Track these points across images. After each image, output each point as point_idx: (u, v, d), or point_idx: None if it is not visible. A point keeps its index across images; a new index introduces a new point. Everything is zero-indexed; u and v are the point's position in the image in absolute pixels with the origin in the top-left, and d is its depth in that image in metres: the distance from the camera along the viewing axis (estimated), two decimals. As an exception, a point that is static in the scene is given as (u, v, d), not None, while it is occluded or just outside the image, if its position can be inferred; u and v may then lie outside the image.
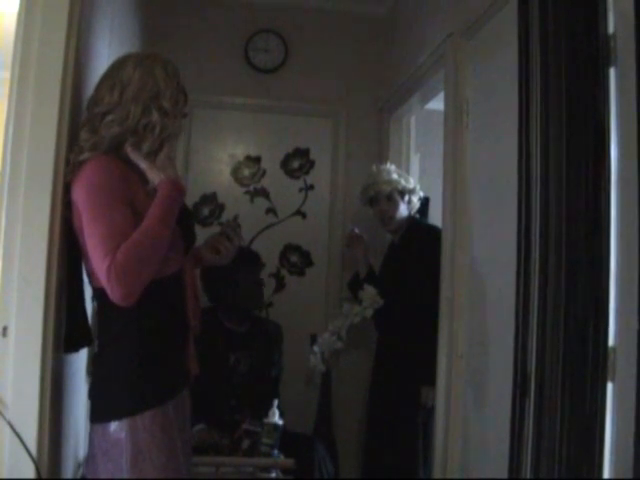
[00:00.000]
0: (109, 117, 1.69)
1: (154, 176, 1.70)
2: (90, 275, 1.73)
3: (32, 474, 1.62)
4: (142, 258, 1.58)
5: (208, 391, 2.86)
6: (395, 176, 3.28)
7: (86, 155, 1.68)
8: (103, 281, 1.57)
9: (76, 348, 1.90)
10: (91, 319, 1.98)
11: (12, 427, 1.62)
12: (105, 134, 1.69)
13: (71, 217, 1.70)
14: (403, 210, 3.28)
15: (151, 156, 1.72)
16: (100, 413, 1.68)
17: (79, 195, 1.65)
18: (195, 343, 1.82)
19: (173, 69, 1.78)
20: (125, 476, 1.61)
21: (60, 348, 1.80)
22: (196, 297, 1.83)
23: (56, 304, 1.71)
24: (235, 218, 1.94)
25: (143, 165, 1.70)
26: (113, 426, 1.63)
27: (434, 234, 2.98)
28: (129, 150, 1.70)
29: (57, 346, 1.75)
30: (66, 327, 1.81)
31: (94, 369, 1.78)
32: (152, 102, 1.71)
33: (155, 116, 1.71)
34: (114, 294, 1.57)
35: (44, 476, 1.64)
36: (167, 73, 1.75)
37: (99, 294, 1.69)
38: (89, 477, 1.71)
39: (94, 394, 1.73)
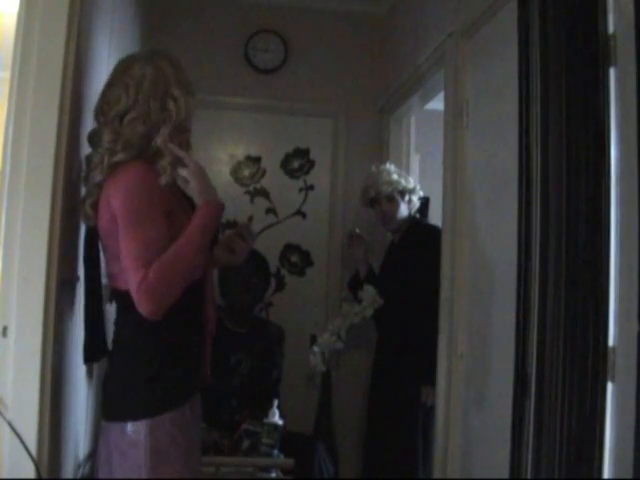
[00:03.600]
0: (129, 116, 1.69)
1: (198, 195, 1.69)
2: (111, 276, 1.73)
3: (32, 474, 1.62)
4: (174, 279, 1.59)
5: (208, 391, 2.85)
6: (395, 176, 3.28)
7: (120, 157, 1.67)
8: (133, 293, 1.57)
9: (97, 358, 1.90)
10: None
11: (12, 427, 1.61)
12: (131, 134, 1.69)
13: (96, 218, 1.70)
14: (403, 210, 3.29)
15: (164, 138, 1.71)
16: (118, 412, 1.68)
17: (117, 199, 1.63)
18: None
19: (178, 61, 1.81)
20: (144, 477, 1.61)
21: (60, 348, 1.80)
22: (213, 301, 1.84)
23: (56, 304, 1.71)
24: (249, 219, 1.96)
25: (192, 181, 1.69)
26: (131, 426, 1.62)
27: (434, 234, 2.98)
28: (165, 144, 1.69)
29: (57, 346, 1.75)
30: (86, 337, 1.81)
31: (109, 367, 1.77)
32: (166, 94, 1.72)
33: (171, 106, 1.72)
34: (142, 309, 1.57)
35: (44, 476, 1.64)
36: (172, 64, 1.77)
37: (119, 296, 1.70)
38: (104, 477, 1.70)
39: (110, 392, 1.73)
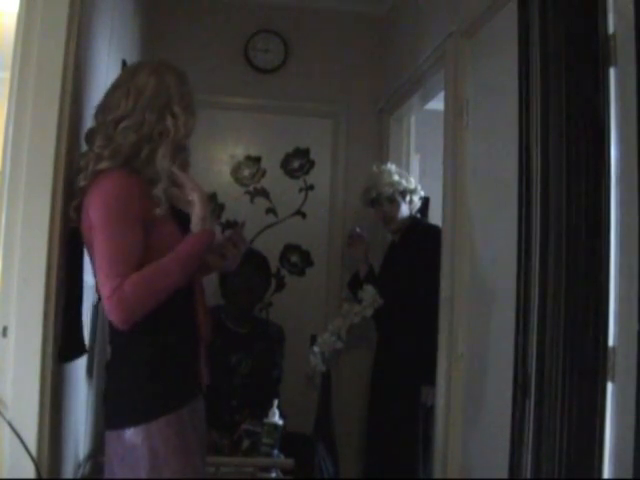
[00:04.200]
0: (124, 124, 1.69)
1: (199, 222, 1.70)
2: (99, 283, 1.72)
3: (32, 474, 1.62)
4: (150, 295, 1.59)
5: (209, 391, 2.85)
6: (396, 177, 3.28)
7: (105, 164, 1.66)
8: (104, 300, 1.58)
9: (70, 359, 1.90)
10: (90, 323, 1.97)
11: (12, 427, 1.62)
12: (122, 141, 1.68)
13: (79, 221, 1.70)
14: (404, 211, 3.28)
15: (169, 162, 1.71)
16: (115, 420, 1.68)
17: (95, 208, 1.63)
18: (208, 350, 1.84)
19: (185, 77, 1.80)
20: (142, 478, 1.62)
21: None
22: (204, 305, 1.83)
23: (56, 304, 1.71)
24: (242, 225, 1.95)
25: (197, 207, 1.70)
26: (129, 432, 1.63)
27: (434, 234, 2.98)
28: (176, 172, 1.71)
29: (57, 347, 1.75)
30: (61, 337, 1.81)
31: (107, 376, 1.77)
32: (165, 109, 1.72)
33: (169, 122, 1.71)
34: (112, 318, 1.58)
35: (44, 476, 1.64)
36: (178, 79, 1.77)
37: None
38: None
39: (109, 401, 1.74)
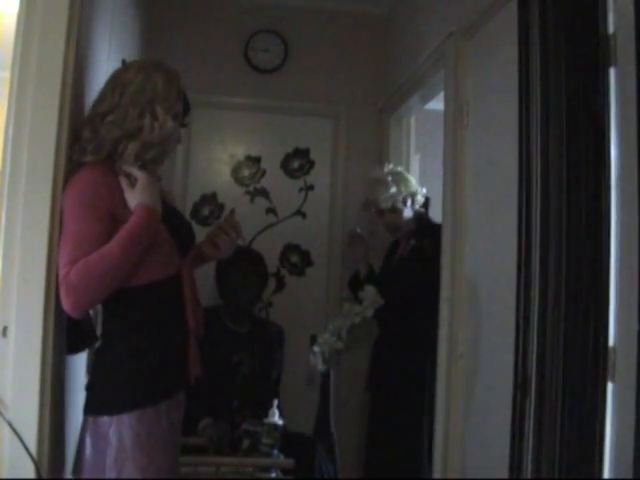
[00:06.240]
0: (109, 117, 1.71)
1: (131, 200, 1.70)
2: None
3: (32, 474, 1.62)
4: (94, 279, 1.60)
5: (211, 391, 2.86)
6: (393, 189, 3.23)
7: (88, 158, 1.70)
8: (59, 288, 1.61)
9: (81, 348, 1.91)
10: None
11: (12, 427, 1.62)
12: (105, 136, 1.70)
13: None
14: (407, 214, 3.27)
15: (134, 160, 1.73)
16: (92, 406, 1.71)
17: (64, 199, 1.68)
18: (199, 344, 1.83)
19: (175, 77, 1.80)
20: (106, 470, 1.64)
21: (60, 348, 1.80)
22: (196, 299, 1.83)
23: (56, 304, 1.71)
24: (232, 212, 1.94)
25: (123, 185, 1.71)
26: (102, 420, 1.66)
27: (435, 233, 2.97)
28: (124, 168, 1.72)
29: (57, 346, 1.75)
30: (69, 327, 1.82)
31: (93, 363, 1.81)
32: (147, 106, 1.73)
33: (147, 119, 1.72)
34: (63, 304, 1.62)
35: (44, 476, 1.65)
36: (167, 79, 1.77)
37: None
38: (77, 465, 1.72)
39: (89, 387, 1.76)
